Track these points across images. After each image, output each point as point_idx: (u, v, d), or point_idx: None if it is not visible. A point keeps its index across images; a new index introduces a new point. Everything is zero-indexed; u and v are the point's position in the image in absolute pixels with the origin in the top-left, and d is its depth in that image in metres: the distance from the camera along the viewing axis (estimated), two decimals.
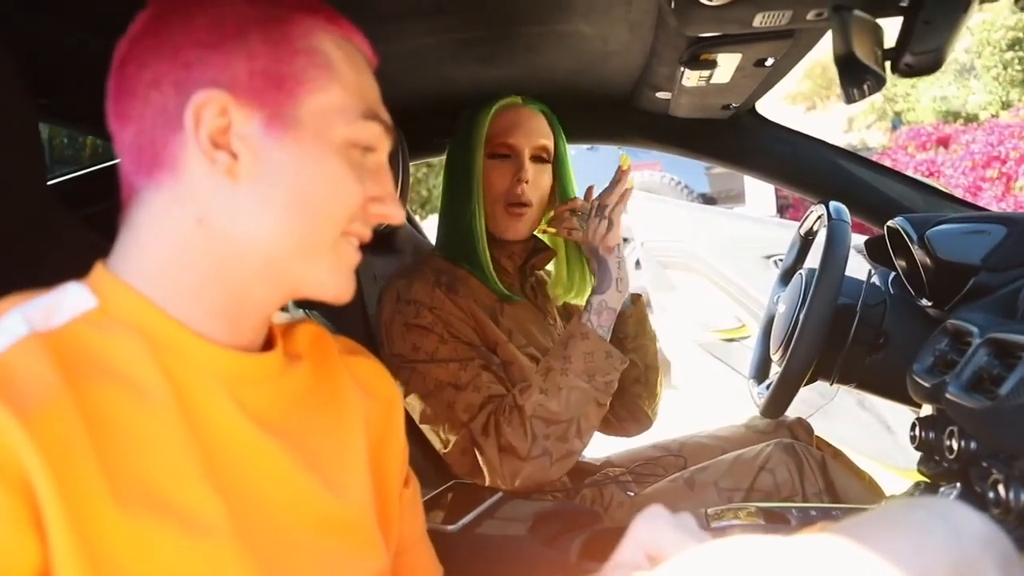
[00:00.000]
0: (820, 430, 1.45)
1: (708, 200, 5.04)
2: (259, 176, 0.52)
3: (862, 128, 10.66)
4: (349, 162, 0.54)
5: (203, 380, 0.51)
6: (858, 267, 1.28)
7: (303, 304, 1.16)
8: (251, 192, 0.52)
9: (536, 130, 1.18)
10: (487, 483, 1.06)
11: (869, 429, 2.00)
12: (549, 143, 1.19)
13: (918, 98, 9.30)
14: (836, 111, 11.19)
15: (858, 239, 1.45)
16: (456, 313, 1.10)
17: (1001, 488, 0.70)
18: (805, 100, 12.55)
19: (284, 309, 1.22)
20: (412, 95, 1.42)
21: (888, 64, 0.82)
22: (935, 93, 8.99)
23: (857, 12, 0.74)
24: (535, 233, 1.24)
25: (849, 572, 0.47)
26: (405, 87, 1.38)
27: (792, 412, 1.90)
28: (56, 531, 0.40)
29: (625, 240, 4.62)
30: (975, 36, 8.38)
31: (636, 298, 1.25)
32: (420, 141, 1.53)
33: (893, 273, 1.26)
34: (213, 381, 0.51)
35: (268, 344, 0.58)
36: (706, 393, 2.52)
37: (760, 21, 0.87)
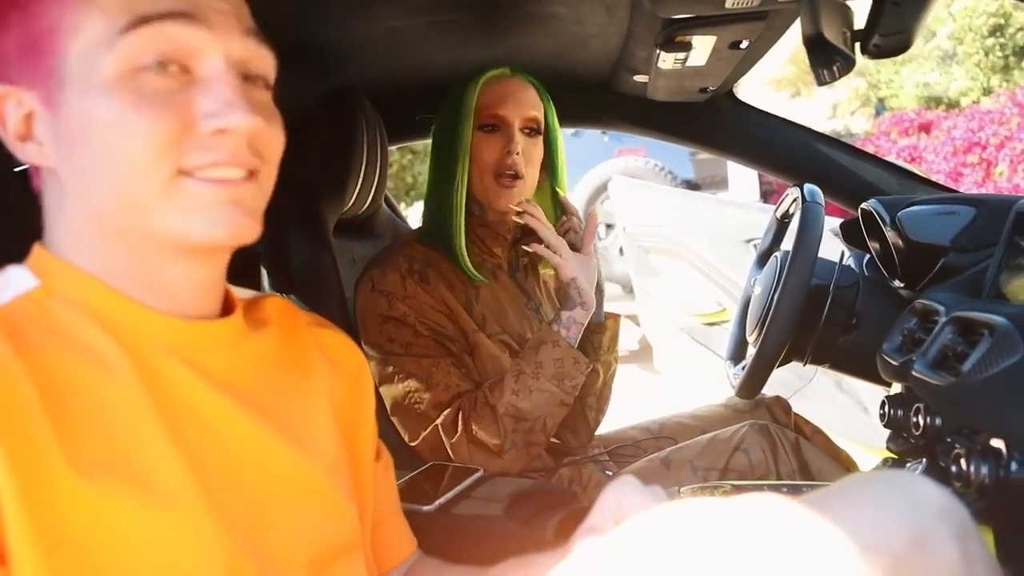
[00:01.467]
0: (798, 411, 1.46)
1: (692, 186, 5.06)
2: (60, 152, 0.49)
3: (846, 114, 10.70)
4: (135, 93, 0.47)
5: (158, 349, 0.51)
6: (835, 250, 1.29)
7: (279, 287, 1.16)
8: (66, 171, 0.49)
9: (526, 101, 1.16)
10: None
11: (846, 410, 2.02)
12: (539, 114, 1.18)
13: (901, 84, 9.34)
14: (821, 97, 11.22)
15: (836, 222, 1.46)
16: (428, 302, 1.11)
17: (963, 462, 0.71)
18: (790, 86, 12.58)
19: (259, 290, 1.22)
20: (390, 77, 1.42)
21: (858, 45, 0.83)
22: (918, 79, 9.04)
23: None
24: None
25: (807, 540, 0.48)
26: (382, 69, 1.37)
27: (770, 393, 1.93)
28: (7, 500, 0.41)
29: (609, 226, 4.63)
30: (957, 22, 8.42)
31: (613, 317, 1.25)
32: (399, 124, 1.52)
33: (868, 255, 1.27)
34: (169, 349, 0.51)
35: (227, 314, 0.58)
36: (688, 377, 2.54)
37: (732, 2, 0.87)
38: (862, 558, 0.51)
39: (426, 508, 0.91)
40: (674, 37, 1.06)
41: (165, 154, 0.47)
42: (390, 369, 1.10)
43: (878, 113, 9.33)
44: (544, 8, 1.13)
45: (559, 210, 1.24)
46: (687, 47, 1.08)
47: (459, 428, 1.06)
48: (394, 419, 1.11)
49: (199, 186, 0.49)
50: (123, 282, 0.51)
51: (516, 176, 1.14)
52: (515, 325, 1.19)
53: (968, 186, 5.89)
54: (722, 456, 1.16)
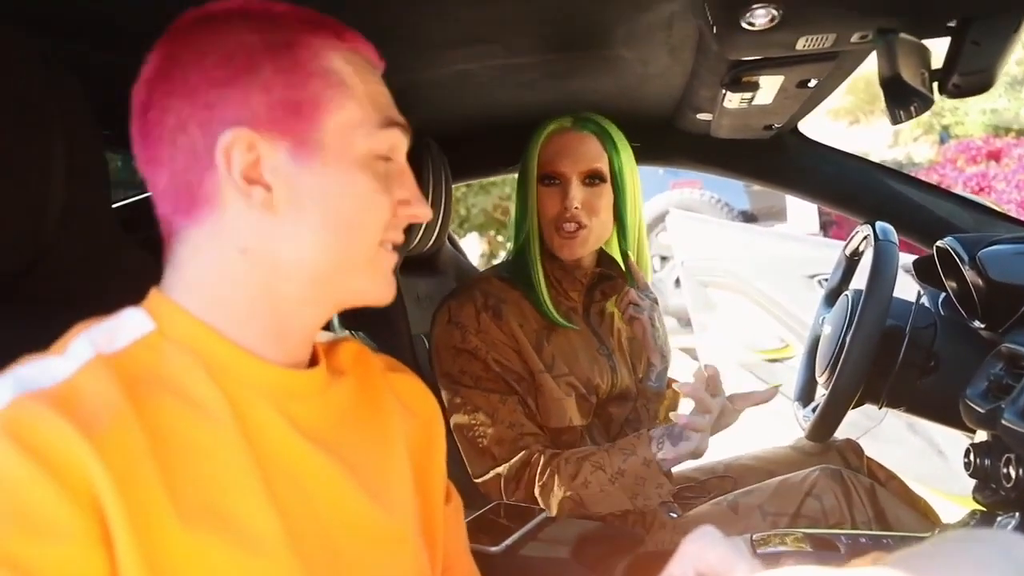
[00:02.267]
0: (869, 453, 1.41)
1: (748, 218, 4.98)
2: (294, 203, 0.53)
3: (908, 142, 10.42)
4: (375, 174, 0.56)
5: (256, 397, 0.53)
6: (905, 287, 1.26)
7: (349, 325, 1.19)
8: (289, 219, 0.53)
9: (584, 155, 1.18)
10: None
11: (919, 453, 1.94)
12: (601, 164, 1.18)
13: (967, 111, 9.06)
14: (880, 126, 10.95)
15: (905, 258, 1.42)
16: (500, 338, 1.12)
17: None
18: (848, 115, 12.34)
19: (330, 328, 1.26)
20: (456, 119, 1.45)
21: (936, 85, 0.82)
22: (985, 106, 8.75)
23: (902, 34, 0.74)
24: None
25: None
26: (449, 111, 1.41)
27: (839, 435, 1.86)
28: (123, 548, 0.42)
29: (664, 258, 4.59)
30: None
31: (673, 391, 1.24)
32: (463, 163, 1.55)
33: (943, 294, 1.23)
34: (265, 398, 0.53)
35: (312, 361, 0.60)
36: (750, 414, 2.48)
37: (803, 44, 0.87)
38: None
39: (493, 549, 0.91)
40: (741, 77, 1.06)
41: (384, 228, 0.57)
42: (458, 400, 1.12)
43: (942, 141, 9.06)
44: (609, 51, 1.15)
45: (630, 276, 1.25)
46: (754, 87, 1.08)
47: (520, 487, 1.08)
48: (461, 450, 1.12)
49: (386, 255, 0.58)
50: (237, 331, 0.54)
51: (576, 228, 1.16)
52: (585, 369, 1.18)
53: None
54: (793, 502, 1.13)
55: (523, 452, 1.09)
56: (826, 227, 5.05)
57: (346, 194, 0.54)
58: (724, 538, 0.56)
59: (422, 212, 0.59)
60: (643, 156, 1.60)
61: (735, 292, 2.46)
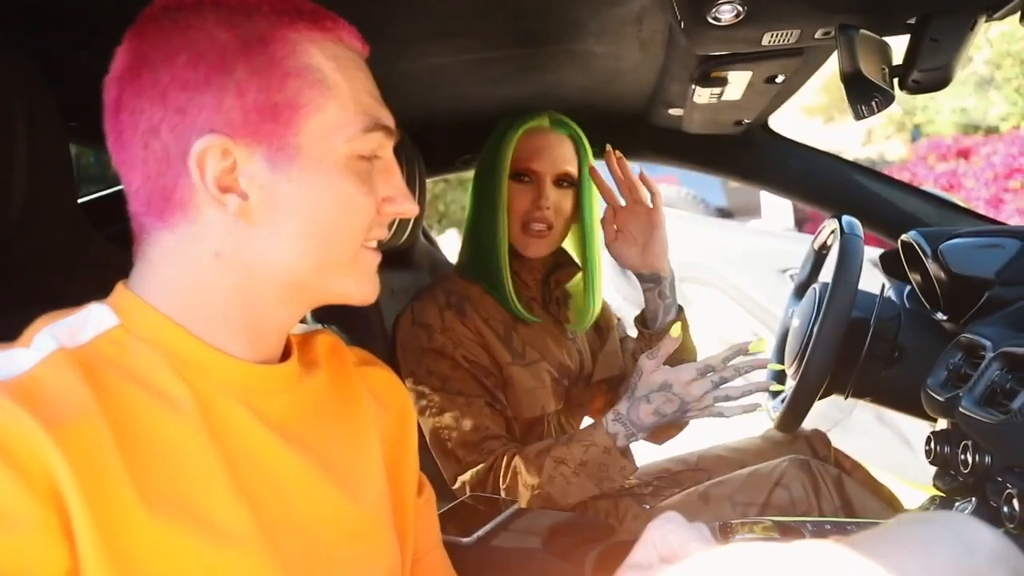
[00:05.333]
0: (838, 444, 1.44)
1: (725, 214, 5.04)
2: (271, 211, 0.52)
3: (881, 140, 10.57)
4: (357, 175, 0.54)
5: (222, 393, 0.53)
6: (874, 281, 1.28)
7: (321, 319, 1.18)
8: (266, 227, 0.52)
9: (561, 157, 1.19)
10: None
11: (888, 444, 1.98)
12: (573, 168, 1.20)
13: (937, 110, 9.21)
14: (854, 124, 11.11)
15: (874, 252, 1.45)
16: (466, 334, 1.13)
17: (1016, 502, 0.69)
18: (822, 113, 12.49)
19: (303, 321, 1.25)
20: (429, 113, 1.45)
21: (896, 81, 0.84)
22: (955, 105, 8.91)
23: (863, 31, 0.76)
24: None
25: None
26: (422, 105, 1.40)
27: (809, 426, 1.88)
28: (84, 538, 0.42)
29: None
30: (995, 48, 8.31)
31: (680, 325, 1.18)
32: (437, 158, 1.55)
33: (908, 287, 1.26)
34: (232, 393, 0.53)
35: (285, 354, 0.60)
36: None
37: (769, 40, 0.88)
38: None
39: (465, 540, 0.91)
40: (710, 73, 1.07)
41: (367, 229, 0.55)
42: (424, 403, 1.12)
43: (914, 139, 9.21)
44: (580, 45, 1.15)
45: (591, 261, 1.25)
46: (723, 82, 1.09)
47: (487, 490, 1.08)
48: (433, 453, 1.13)
49: (369, 255, 0.57)
50: (205, 329, 0.53)
51: (546, 228, 1.17)
52: (555, 353, 1.20)
53: (1010, 212, 5.77)
54: (762, 492, 1.14)
55: (488, 457, 1.09)
56: (801, 223, 5.12)
57: (326, 200, 0.53)
58: (687, 523, 0.57)
59: (408, 208, 0.57)
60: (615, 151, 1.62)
61: (709, 287, 2.48)
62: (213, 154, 0.50)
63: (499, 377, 1.15)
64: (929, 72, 0.81)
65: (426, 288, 1.21)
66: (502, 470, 1.08)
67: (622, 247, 1.20)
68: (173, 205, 0.52)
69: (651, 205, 1.20)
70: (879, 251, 1.41)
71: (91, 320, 0.51)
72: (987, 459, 0.78)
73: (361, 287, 0.57)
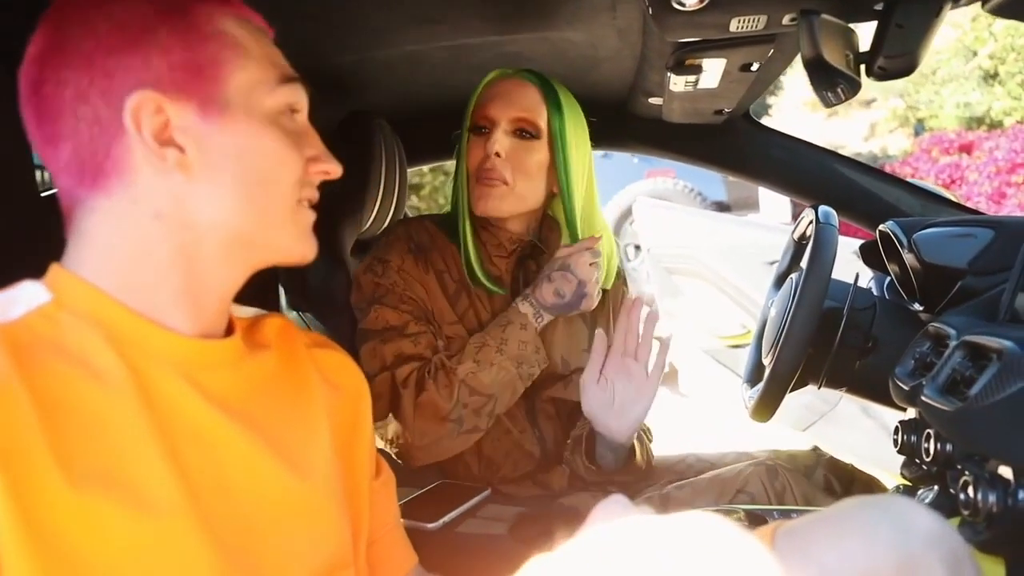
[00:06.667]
0: (824, 437, 1.44)
1: (723, 207, 5.02)
2: (208, 163, 0.54)
3: (884, 135, 10.53)
4: (283, 131, 0.57)
5: (161, 366, 0.53)
6: (862, 271, 1.27)
7: (296, 306, 1.18)
8: (204, 179, 0.54)
9: (518, 101, 1.08)
10: (392, 446, 1.08)
11: (873, 435, 1.97)
12: (535, 116, 1.08)
13: (941, 104, 9.17)
14: (857, 119, 11.06)
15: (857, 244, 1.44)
16: (418, 277, 1.11)
17: (970, 489, 0.69)
18: (825, 108, 12.43)
19: (277, 309, 1.25)
20: (408, 101, 1.45)
21: (863, 68, 0.83)
22: (959, 99, 8.86)
23: (825, 16, 0.75)
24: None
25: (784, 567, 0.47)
26: (400, 93, 1.40)
27: (795, 419, 1.88)
28: (1, 516, 0.42)
29: (637, 247, 4.60)
30: (998, 42, 8.26)
31: (641, 445, 1.16)
32: (418, 146, 1.55)
33: (888, 278, 1.25)
34: (171, 366, 0.53)
35: (229, 333, 0.60)
36: (713, 400, 2.51)
37: (736, 26, 0.87)
38: None
39: (430, 526, 0.91)
40: (684, 60, 1.07)
41: (299, 183, 0.58)
42: (372, 314, 1.08)
43: (917, 133, 9.16)
44: (556, 32, 1.15)
45: (574, 236, 1.15)
46: (697, 70, 1.09)
47: (410, 386, 1.02)
48: (359, 349, 1.09)
49: (305, 212, 0.60)
50: (142, 301, 0.54)
51: (494, 179, 1.07)
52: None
53: (1013, 207, 5.74)
54: (725, 495, 1.12)
55: (418, 363, 1.06)
56: (798, 217, 5.10)
57: (257, 149, 0.56)
58: (631, 505, 0.57)
59: (332, 168, 0.61)
60: (597, 140, 1.60)
61: (700, 279, 2.48)
62: (147, 109, 0.52)
63: (439, 330, 1.12)
64: (895, 58, 0.80)
65: (395, 227, 1.19)
66: (432, 373, 1.05)
67: (596, 394, 1.04)
68: (108, 169, 0.53)
69: (647, 372, 1.07)
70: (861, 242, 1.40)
71: (22, 297, 0.51)
72: (948, 447, 0.78)
73: (300, 243, 0.60)
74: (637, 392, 1.04)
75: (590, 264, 1.09)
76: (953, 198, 1.49)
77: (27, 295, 0.52)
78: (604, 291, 1.22)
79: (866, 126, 10.98)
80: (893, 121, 10.27)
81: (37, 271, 0.57)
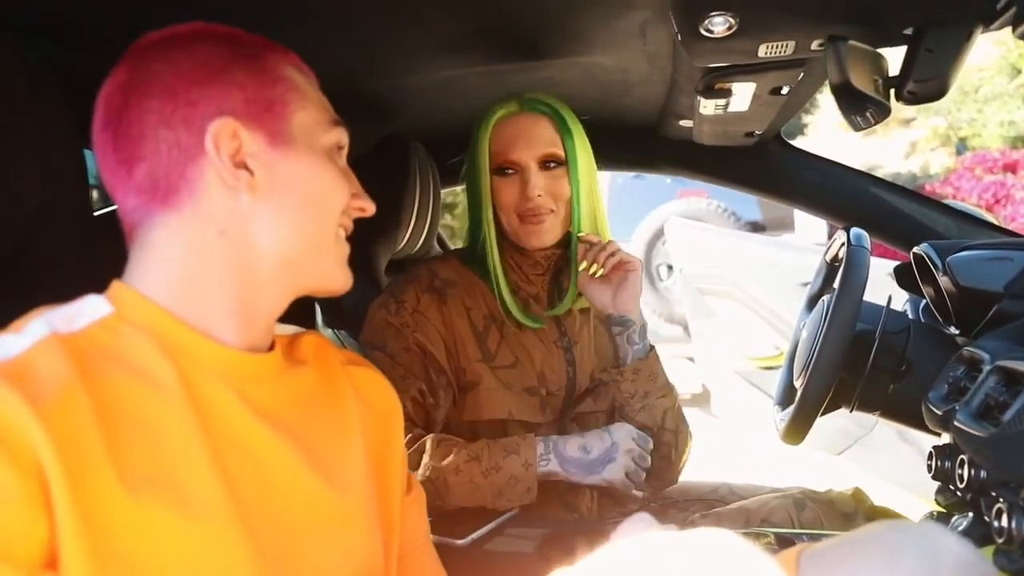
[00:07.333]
0: (859, 462, 1.41)
1: (757, 228, 4.97)
2: (274, 186, 0.59)
3: (925, 153, 10.33)
4: (336, 165, 0.64)
5: (210, 377, 0.56)
6: (896, 295, 1.26)
7: (331, 324, 1.22)
8: (268, 201, 0.59)
9: (539, 139, 1.11)
10: None
11: (909, 461, 1.93)
12: (556, 148, 1.12)
13: (984, 123, 8.98)
14: (896, 138, 10.88)
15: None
16: (434, 321, 1.11)
17: (1005, 517, 0.68)
18: (854, 131, 12.24)
19: (313, 327, 1.28)
20: (442, 124, 1.48)
21: (893, 92, 0.83)
22: (1002, 117, 8.66)
23: (853, 42, 0.76)
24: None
25: None
26: (435, 116, 1.44)
27: (831, 443, 1.85)
28: (62, 510, 0.45)
29: (671, 267, 4.58)
30: None
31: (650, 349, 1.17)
32: (451, 168, 1.58)
33: (925, 301, 1.24)
34: (219, 378, 0.57)
35: (270, 349, 0.64)
36: (746, 422, 2.48)
37: (765, 51, 0.89)
38: None
39: (459, 542, 0.93)
40: (714, 84, 1.08)
41: (342, 214, 0.64)
42: (370, 357, 1.08)
43: (959, 153, 8.98)
44: (587, 57, 1.17)
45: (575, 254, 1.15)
46: (727, 93, 1.10)
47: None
48: None
49: (344, 245, 0.66)
50: (197, 316, 0.58)
51: (542, 216, 1.11)
52: (538, 359, 1.16)
53: None
54: (750, 525, 1.11)
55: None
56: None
57: (316, 178, 0.62)
58: (656, 523, 0.58)
59: (368, 206, 0.67)
60: (629, 162, 1.64)
61: (731, 299, 2.46)
62: (225, 133, 0.57)
63: (451, 377, 1.12)
64: (925, 83, 0.81)
65: (420, 264, 1.19)
66: (411, 442, 1.05)
67: (595, 288, 1.14)
68: (181, 188, 0.58)
69: (626, 259, 1.14)
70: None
71: (86, 309, 0.55)
72: (982, 474, 0.77)
73: (342, 271, 0.65)
74: (624, 268, 1.13)
75: (632, 439, 1.09)
76: (991, 219, 1.47)
77: (90, 308, 0.56)
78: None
79: (906, 145, 10.80)
80: (934, 140, 10.08)
81: (90, 283, 0.61)
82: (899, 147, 10.84)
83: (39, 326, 0.52)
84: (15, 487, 0.44)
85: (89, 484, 0.47)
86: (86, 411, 0.49)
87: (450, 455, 1.05)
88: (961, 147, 9.36)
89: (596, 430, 1.10)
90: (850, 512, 1.17)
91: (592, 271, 1.12)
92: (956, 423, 0.79)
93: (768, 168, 1.46)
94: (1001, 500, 0.71)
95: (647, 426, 1.13)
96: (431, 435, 1.07)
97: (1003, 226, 1.45)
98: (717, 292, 2.51)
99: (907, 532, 0.54)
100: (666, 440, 1.15)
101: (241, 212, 0.58)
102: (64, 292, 0.59)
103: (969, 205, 1.51)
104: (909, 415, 1.14)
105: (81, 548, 0.46)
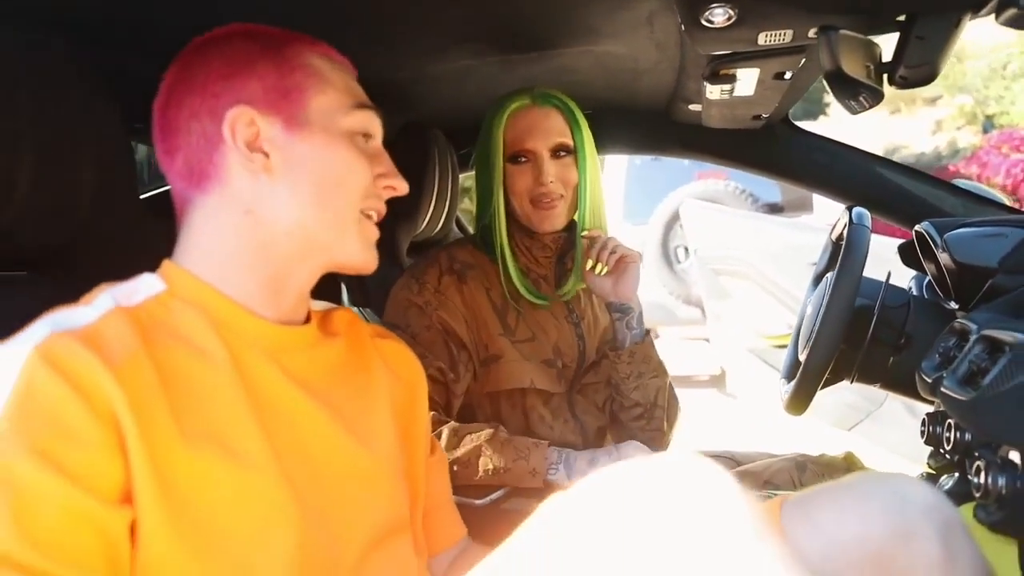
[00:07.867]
0: (870, 436, 1.46)
1: (776, 209, 4.96)
2: (289, 168, 0.64)
3: (952, 130, 10.16)
4: (356, 147, 0.67)
5: (252, 347, 0.63)
6: (902, 272, 1.29)
7: (356, 302, 1.29)
8: (285, 181, 0.65)
9: (551, 130, 1.19)
10: None
11: (917, 434, 1.97)
12: (566, 138, 1.20)
13: (1012, 100, 8.81)
14: (922, 116, 10.70)
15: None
16: (455, 301, 1.17)
17: (983, 474, 0.74)
18: (888, 104, 12.05)
19: (339, 303, 1.36)
20: (461, 111, 1.54)
21: (885, 77, 0.88)
22: None
23: (844, 31, 0.80)
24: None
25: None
26: (453, 103, 1.50)
27: (841, 418, 1.90)
28: (136, 458, 0.53)
29: (686, 250, 4.59)
30: None
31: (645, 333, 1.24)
32: (470, 154, 1.64)
33: (928, 277, 1.28)
34: (260, 348, 0.64)
35: (307, 323, 0.71)
36: (761, 400, 2.52)
37: (764, 39, 0.93)
38: (845, 548, 0.56)
39: (478, 502, 1.00)
40: (719, 71, 1.12)
41: (365, 195, 0.67)
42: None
43: (986, 131, 8.82)
44: (599, 47, 1.22)
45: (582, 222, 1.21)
46: (732, 79, 1.14)
47: None
48: None
49: (369, 225, 0.69)
50: (236, 290, 0.65)
51: (554, 201, 1.18)
52: (553, 334, 1.23)
53: None
54: (751, 489, 1.16)
55: None
56: None
57: (330, 158, 0.66)
58: (646, 450, 0.63)
59: (399, 184, 0.70)
60: (641, 146, 1.68)
61: (746, 280, 2.50)
62: (242, 121, 0.63)
63: (473, 352, 1.18)
64: (916, 68, 0.85)
65: (438, 249, 1.26)
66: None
67: (597, 279, 1.20)
68: (210, 173, 0.64)
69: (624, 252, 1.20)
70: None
71: (142, 286, 0.63)
72: (966, 436, 0.82)
73: (364, 251, 0.69)
74: (624, 259, 1.18)
75: (640, 455, 1.12)
76: (1001, 198, 1.49)
77: (145, 285, 0.63)
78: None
79: (931, 123, 10.62)
80: (960, 118, 9.91)
81: (142, 263, 0.68)
82: (925, 125, 10.66)
83: (106, 299, 0.60)
84: (96, 434, 0.52)
85: (155, 436, 0.54)
86: (151, 373, 0.56)
87: (462, 445, 1.09)
88: (988, 125, 9.19)
89: (605, 447, 1.16)
90: (842, 472, 1.23)
91: (597, 270, 1.19)
92: (943, 389, 0.85)
93: (777, 150, 1.50)
94: (981, 459, 0.76)
95: (640, 403, 1.22)
96: (448, 424, 1.12)
97: (1012, 205, 1.48)
98: (732, 273, 2.55)
99: (879, 481, 0.59)
100: (658, 415, 1.24)
101: (262, 192, 0.64)
102: (120, 267, 0.66)
103: (988, 186, 1.52)
104: (908, 386, 1.18)
105: (151, 490, 0.53)
